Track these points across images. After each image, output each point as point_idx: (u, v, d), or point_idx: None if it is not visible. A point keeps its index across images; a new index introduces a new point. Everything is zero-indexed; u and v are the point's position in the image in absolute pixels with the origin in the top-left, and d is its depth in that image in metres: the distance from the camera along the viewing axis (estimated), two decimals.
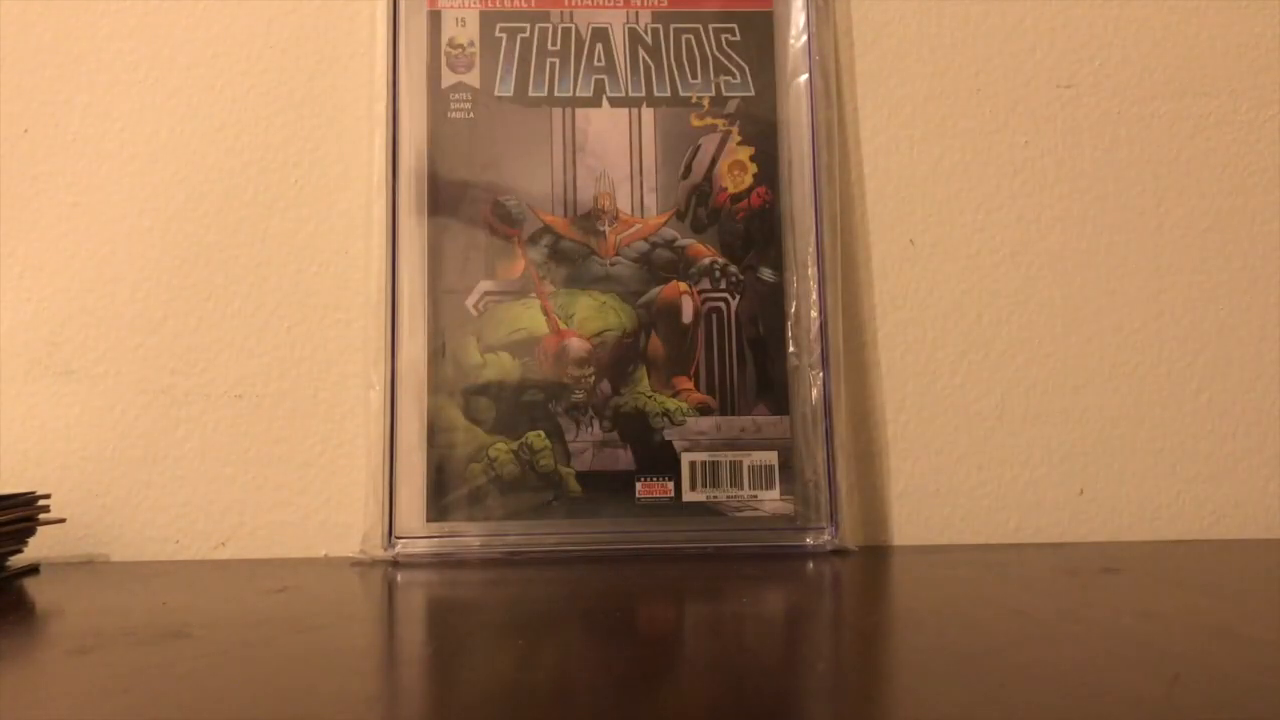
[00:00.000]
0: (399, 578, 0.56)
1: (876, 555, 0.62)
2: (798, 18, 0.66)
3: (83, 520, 0.63)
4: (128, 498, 0.64)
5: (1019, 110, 0.68)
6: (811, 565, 0.58)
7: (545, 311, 0.63)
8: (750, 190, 0.64)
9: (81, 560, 0.63)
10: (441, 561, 0.59)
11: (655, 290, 0.63)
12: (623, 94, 0.65)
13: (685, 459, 0.61)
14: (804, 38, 0.65)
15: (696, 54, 0.65)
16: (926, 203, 0.67)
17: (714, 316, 0.63)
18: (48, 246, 0.66)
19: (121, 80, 0.67)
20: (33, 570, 0.58)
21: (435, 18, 0.65)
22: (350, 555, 0.61)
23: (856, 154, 0.67)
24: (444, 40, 0.65)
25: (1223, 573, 0.56)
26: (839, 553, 0.60)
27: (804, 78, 0.65)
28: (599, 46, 0.65)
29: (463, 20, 0.65)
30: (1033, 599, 0.48)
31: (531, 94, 0.64)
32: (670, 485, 0.61)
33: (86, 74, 0.66)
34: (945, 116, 0.68)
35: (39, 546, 0.59)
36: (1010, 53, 0.68)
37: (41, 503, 0.58)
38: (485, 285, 0.63)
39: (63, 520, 0.60)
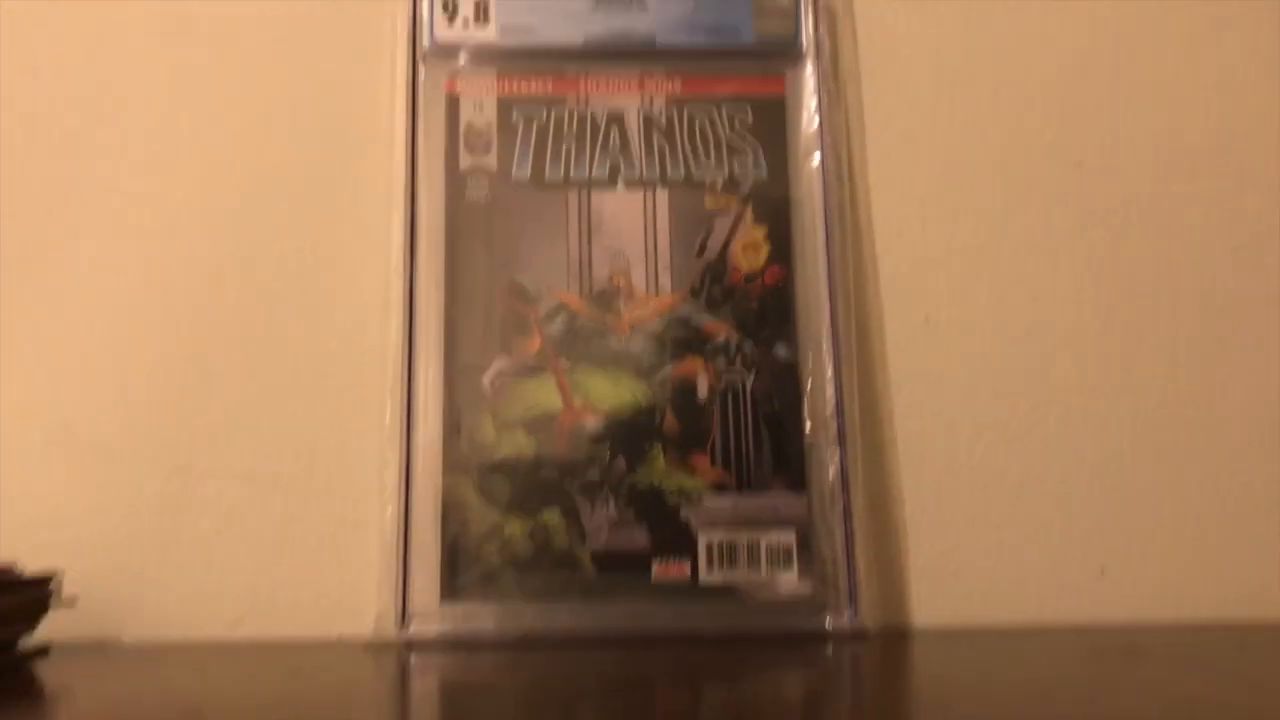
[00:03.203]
0: (413, 660, 0.55)
1: (896, 637, 0.61)
2: (809, 102, 0.67)
3: (95, 601, 0.63)
4: (140, 578, 0.64)
5: (1031, 190, 0.69)
6: (831, 648, 0.57)
7: (561, 388, 0.63)
8: (764, 269, 0.65)
9: (93, 642, 0.62)
10: (455, 644, 0.59)
11: (670, 367, 0.63)
12: (638, 176, 0.66)
13: (702, 538, 0.61)
14: (815, 121, 0.66)
15: (710, 137, 0.66)
16: (940, 281, 0.68)
17: (730, 394, 0.63)
18: (66, 324, 0.66)
19: (141, 160, 0.68)
20: (43, 652, 0.57)
21: (454, 102, 0.66)
22: (364, 636, 0.60)
23: (869, 233, 0.68)
24: (462, 124, 0.66)
25: (1249, 657, 0.55)
26: (858, 635, 0.59)
27: (816, 159, 0.66)
28: (614, 130, 0.66)
29: (481, 105, 0.66)
30: (1057, 683, 0.47)
31: (548, 176, 0.65)
32: (687, 566, 0.61)
33: (106, 152, 0.68)
34: (958, 196, 0.68)
35: (50, 627, 0.58)
36: (1021, 132, 0.69)
37: (54, 584, 0.58)
38: (501, 363, 0.63)
39: (74, 601, 0.60)
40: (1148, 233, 0.69)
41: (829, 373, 0.63)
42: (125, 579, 0.64)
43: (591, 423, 0.62)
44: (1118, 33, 0.70)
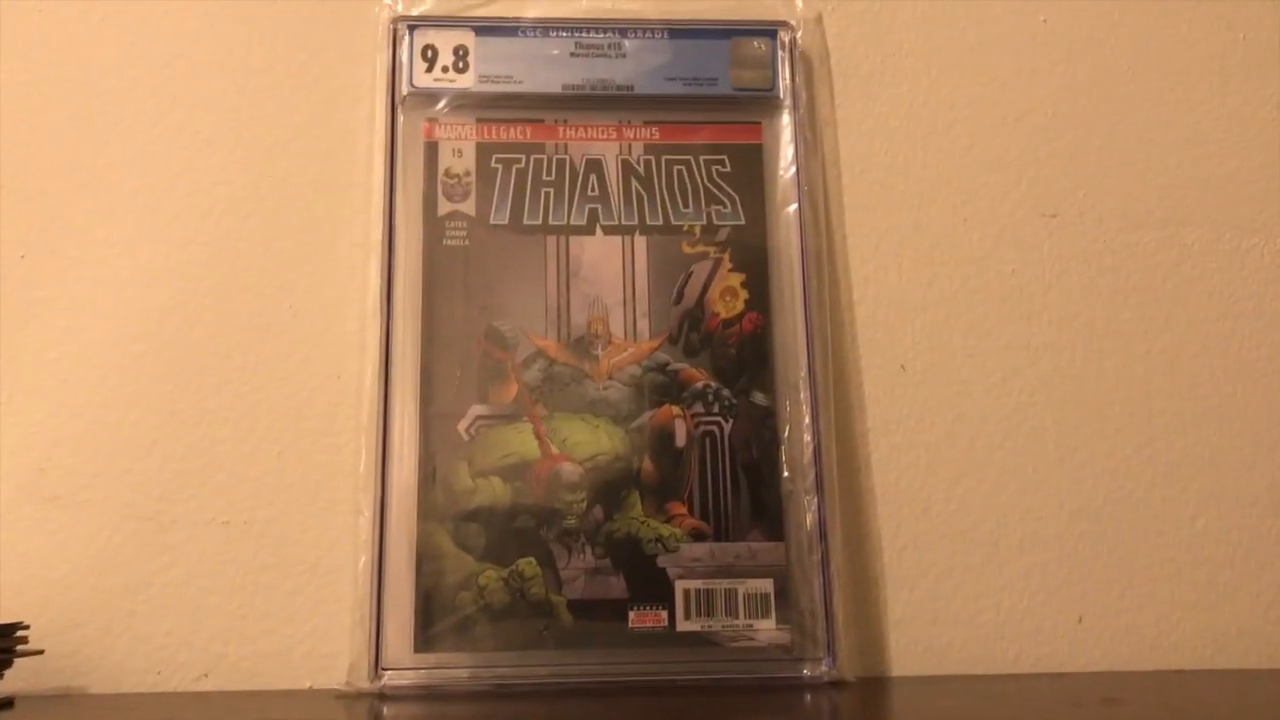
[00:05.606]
0: (385, 711, 0.54)
1: (875, 687, 0.60)
2: (786, 150, 0.67)
3: (62, 651, 0.61)
4: (109, 627, 0.63)
5: (1005, 239, 0.69)
6: (809, 697, 0.56)
7: (538, 435, 0.63)
8: (742, 316, 0.65)
9: (59, 692, 0.61)
10: (429, 694, 0.58)
11: (648, 414, 0.63)
12: (616, 222, 0.66)
13: (679, 586, 0.61)
14: (793, 169, 0.67)
15: (688, 184, 0.67)
16: (916, 329, 0.68)
17: (707, 440, 0.63)
18: (40, 371, 0.65)
19: (120, 206, 0.67)
20: (7, 704, 0.56)
21: (432, 148, 0.66)
22: (335, 687, 0.59)
23: (846, 281, 0.68)
24: (440, 170, 0.66)
25: (1225, 704, 0.55)
26: (836, 684, 0.59)
27: (793, 207, 0.66)
28: (593, 176, 0.66)
29: (459, 151, 0.66)
30: None
31: (526, 222, 0.65)
32: (664, 614, 0.60)
33: (86, 200, 0.67)
34: (933, 245, 0.69)
35: (15, 678, 0.57)
36: (996, 182, 0.70)
37: (20, 634, 0.57)
38: (478, 409, 0.63)
39: (41, 651, 0.58)
40: (1121, 280, 0.69)
41: (806, 419, 0.63)
42: (93, 629, 0.62)
43: (568, 470, 0.62)
44: (1091, 83, 0.71)
